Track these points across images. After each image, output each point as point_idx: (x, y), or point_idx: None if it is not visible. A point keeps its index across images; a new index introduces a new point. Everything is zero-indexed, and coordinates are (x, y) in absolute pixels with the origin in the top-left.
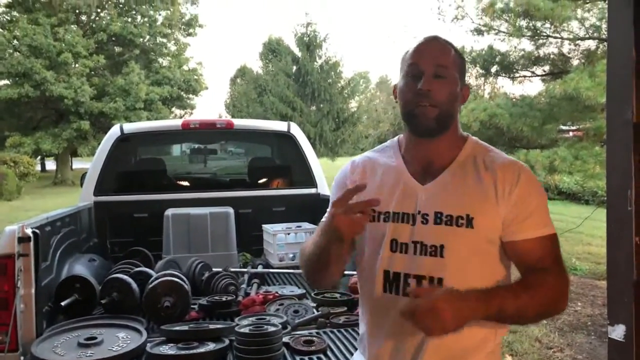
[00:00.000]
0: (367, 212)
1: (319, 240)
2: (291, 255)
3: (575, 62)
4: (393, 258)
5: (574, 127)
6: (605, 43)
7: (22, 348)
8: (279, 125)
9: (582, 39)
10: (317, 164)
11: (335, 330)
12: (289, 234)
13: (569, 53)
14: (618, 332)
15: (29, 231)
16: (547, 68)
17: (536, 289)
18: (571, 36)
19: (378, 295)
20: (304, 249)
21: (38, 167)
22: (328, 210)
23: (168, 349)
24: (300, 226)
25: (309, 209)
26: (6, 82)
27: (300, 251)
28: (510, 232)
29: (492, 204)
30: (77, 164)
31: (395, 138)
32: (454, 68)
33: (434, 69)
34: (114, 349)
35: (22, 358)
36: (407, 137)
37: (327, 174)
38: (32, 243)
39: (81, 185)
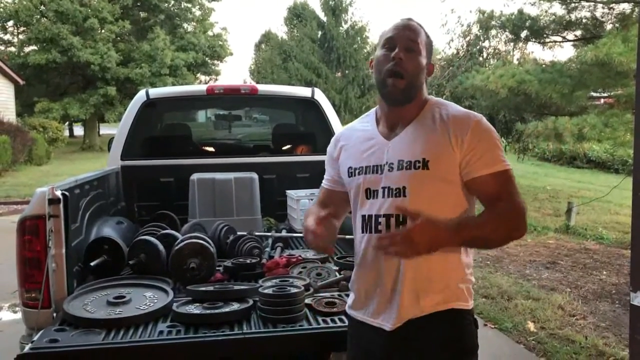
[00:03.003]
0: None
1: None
2: None
3: (608, 27)
4: (368, 203)
5: (605, 94)
6: None
7: (54, 305)
8: (303, 91)
9: (617, 1)
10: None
11: None
12: (312, 199)
13: (602, 17)
14: None
15: (58, 193)
16: (578, 33)
17: (497, 218)
18: None
19: (359, 237)
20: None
21: (66, 133)
22: (325, 177)
23: (194, 309)
24: None
25: None
26: (34, 47)
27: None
28: (468, 172)
29: (447, 149)
30: (105, 129)
31: (374, 108)
32: (423, 45)
33: (406, 42)
34: (141, 308)
35: (54, 314)
36: (380, 104)
37: None
38: (61, 205)
39: (108, 150)
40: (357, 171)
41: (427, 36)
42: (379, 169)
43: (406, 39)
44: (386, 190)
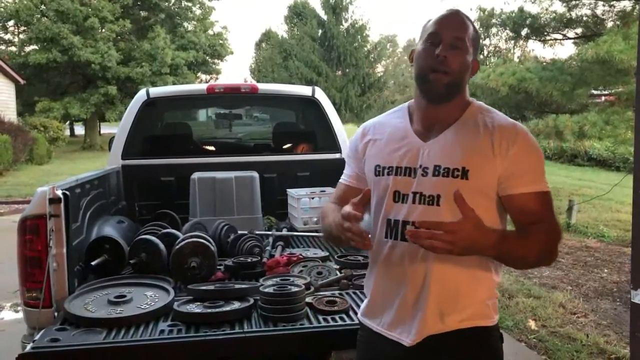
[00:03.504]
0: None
1: (334, 227)
2: (315, 219)
3: (609, 24)
4: (395, 207)
5: (605, 92)
6: None
7: (55, 304)
8: (304, 90)
9: None
10: (341, 129)
11: (357, 292)
12: (312, 198)
13: (602, 15)
14: None
15: (59, 192)
16: (579, 30)
17: (537, 238)
18: None
19: (380, 241)
20: (324, 216)
21: (67, 132)
22: (344, 172)
23: (195, 307)
24: (324, 191)
25: (333, 174)
26: (34, 47)
27: (322, 214)
28: (507, 187)
29: (489, 159)
30: (105, 129)
31: (407, 102)
32: (469, 42)
33: (451, 39)
34: (142, 307)
35: (56, 314)
36: (416, 100)
37: None
38: (62, 204)
39: (109, 149)
40: (386, 170)
41: (475, 31)
42: (412, 171)
43: (452, 35)
44: (417, 196)
